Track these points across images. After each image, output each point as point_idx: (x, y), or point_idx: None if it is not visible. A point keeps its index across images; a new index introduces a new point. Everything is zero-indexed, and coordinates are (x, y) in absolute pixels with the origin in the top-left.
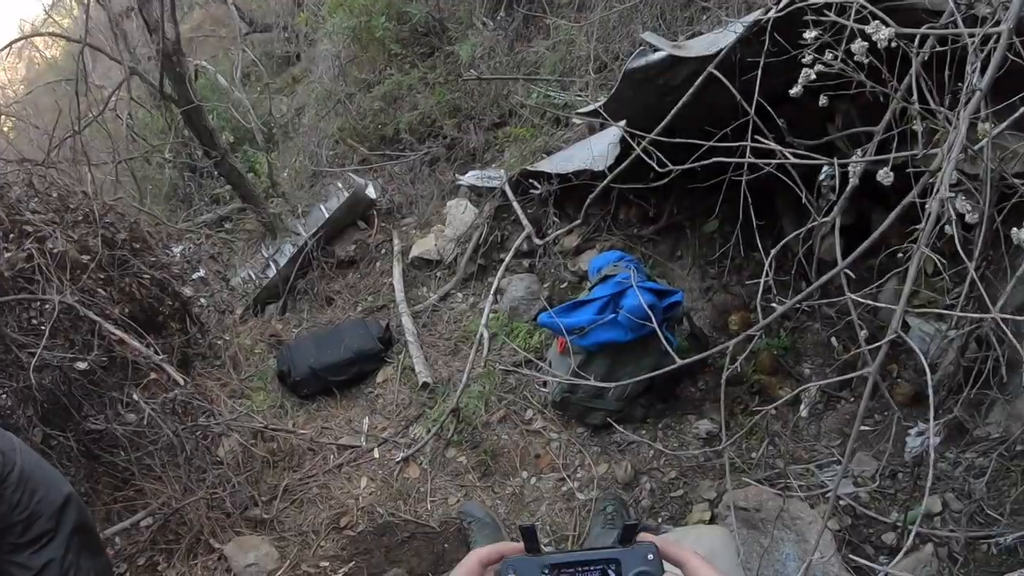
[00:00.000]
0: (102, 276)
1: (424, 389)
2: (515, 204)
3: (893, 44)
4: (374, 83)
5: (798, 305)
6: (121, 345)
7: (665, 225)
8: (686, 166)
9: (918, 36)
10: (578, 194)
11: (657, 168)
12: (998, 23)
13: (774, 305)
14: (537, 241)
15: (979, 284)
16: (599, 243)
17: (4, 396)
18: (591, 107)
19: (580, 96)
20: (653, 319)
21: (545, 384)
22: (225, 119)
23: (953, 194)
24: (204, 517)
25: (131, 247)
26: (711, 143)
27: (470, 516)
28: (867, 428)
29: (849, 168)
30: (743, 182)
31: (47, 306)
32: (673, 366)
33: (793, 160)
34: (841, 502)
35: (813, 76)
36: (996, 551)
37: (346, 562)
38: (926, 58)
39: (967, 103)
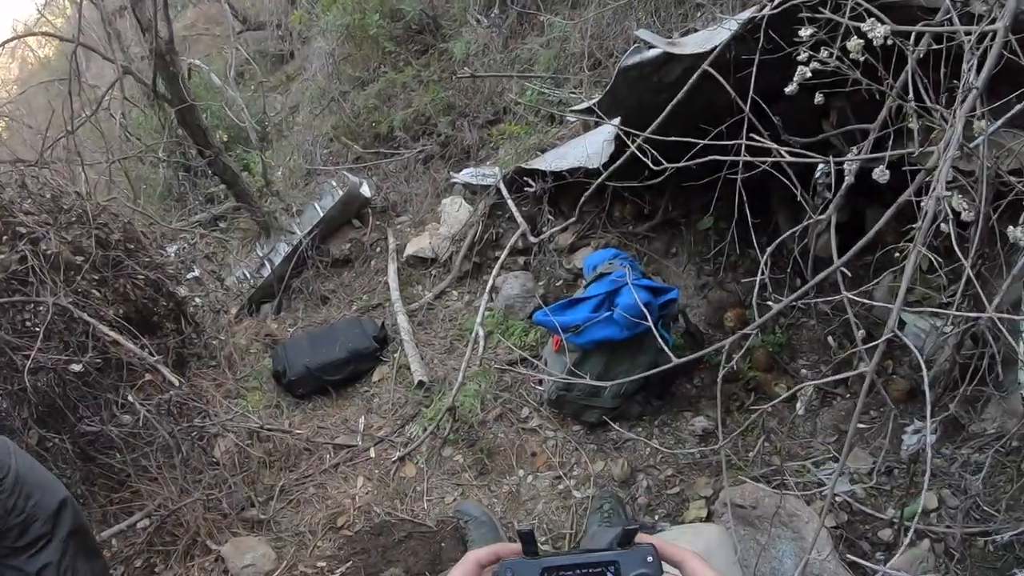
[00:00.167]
0: (96, 277)
1: (420, 388)
2: (510, 202)
3: (889, 42)
4: (368, 81)
5: (794, 303)
6: (116, 346)
7: (660, 222)
8: (681, 164)
9: (914, 33)
10: (573, 192)
11: (652, 166)
12: (994, 21)
13: (770, 303)
14: (532, 239)
15: (975, 282)
16: (594, 240)
17: None
18: (585, 104)
19: (574, 93)
20: (648, 317)
21: (541, 382)
22: (219, 118)
23: (949, 192)
24: (201, 518)
25: (125, 247)
26: (706, 141)
27: (467, 515)
28: (863, 425)
29: (845, 166)
30: (738, 180)
31: (41, 308)
32: (669, 364)
33: (789, 158)
34: (837, 499)
35: (809, 74)
36: (993, 548)
37: (343, 562)
38: (922, 56)
39: (963, 101)
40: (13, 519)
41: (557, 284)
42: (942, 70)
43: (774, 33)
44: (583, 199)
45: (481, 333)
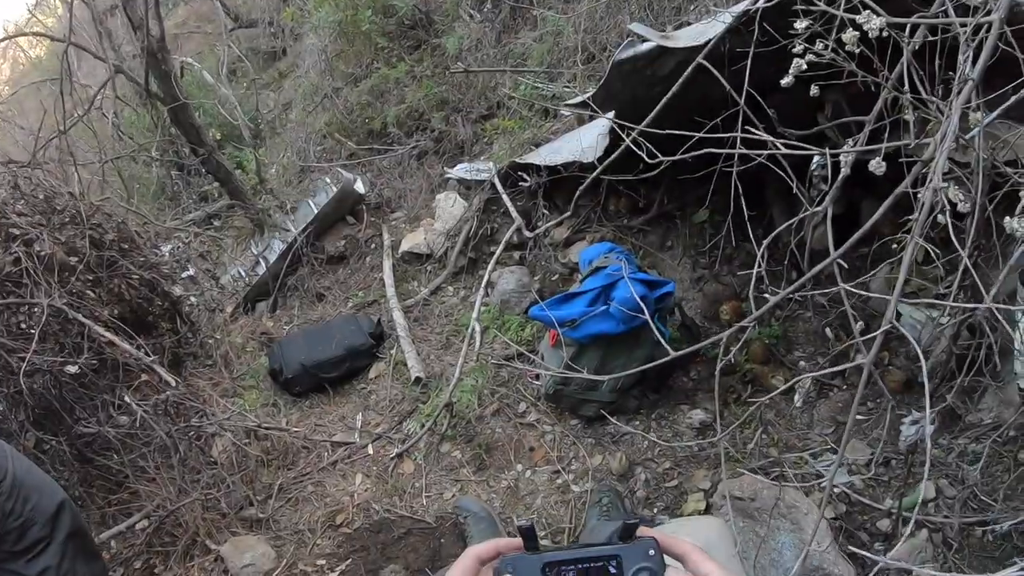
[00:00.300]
0: (90, 278)
1: (417, 384)
2: (504, 196)
3: (884, 34)
4: (361, 77)
5: (791, 295)
6: (111, 347)
7: (655, 216)
8: (676, 157)
9: (909, 25)
10: (568, 186)
11: (647, 159)
12: (989, 12)
13: (767, 296)
14: (527, 234)
15: (973, 272)
16: (589, 235)
17: None
18: (580, 98)
19: (568, 87)
20: (645, 310)
21: (538, 377)
22: (212, 116)
23: (946, 183)
24: (199, 518)
25: (119, 247)
26: (701, 134)
27: (466, 511)
28: (860, 417)
29: (841, 158)
30: (734, 173)
31: (35, 310)
32: (666, 358)
33: (784, 151)
34: (836, 490)
35: (804, 66)
36: (992, 538)
37: (343, 560)
38: (917, 47)
39: (959, 92)
40: (11, 523)
41: (553, 279)
42: (937, 62)
43: (768, 25)
44: (578, 193)
45: (477, 328)
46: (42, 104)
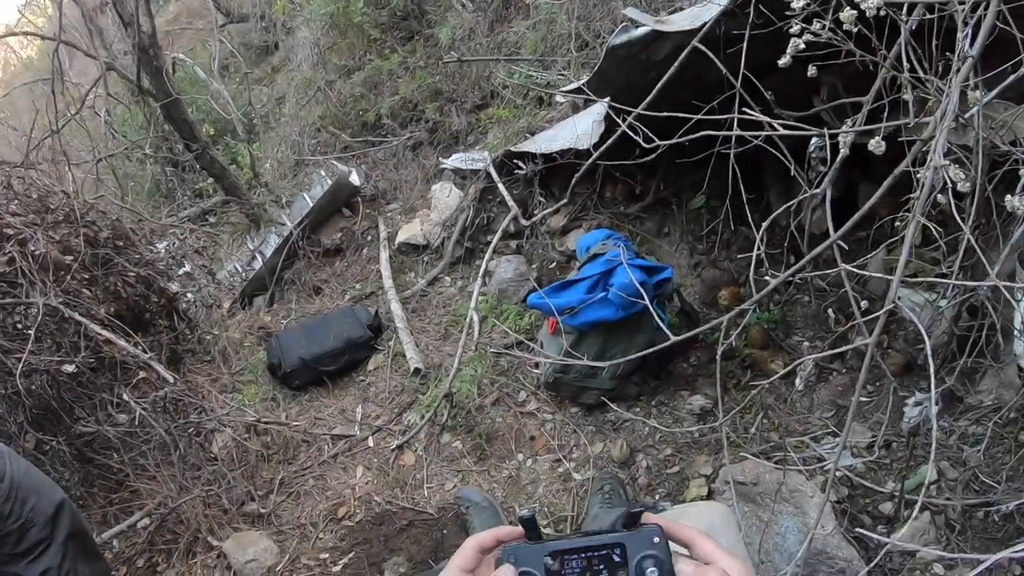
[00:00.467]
0: (86, 276)
1: (416, 375)
2: (500, 185)
3: (882, 13)
4: (354, 69)
5: (790, 278)
6: (108, 345)
7: (652, 202)
8: (673, 141)
9: (906, 4)
10: (563, 173)
11: (643, 144)
12: None
13: (767, 279)
14: (524, 222)
15: (978, 249)
16: (586, 222)
17: None
18: (575, 85)
19: (562, 75)
20: (645, 296)
21: (537, 365)
22: (205, 111)
23: (947, 162)
24: (201, 515)
25: (114, 245)
26: (698, 116)
27: (467, 501)
28: (861, 399)
29: (840, 138)
30: (731, 156)
31: (31, 310)
32: (666, 343)
33: (782, 132)
34: (838, 473)
35: (802, 46)
36: (997, 518)
37: (345, 553)
38: (914, 27)
39: (958, 70)
40: (11, 524)
41: (550, 267)
42: (935, 41)
43: (764, 7)
44: (574, 180)
45: (475, 318)
46: (34, 104)
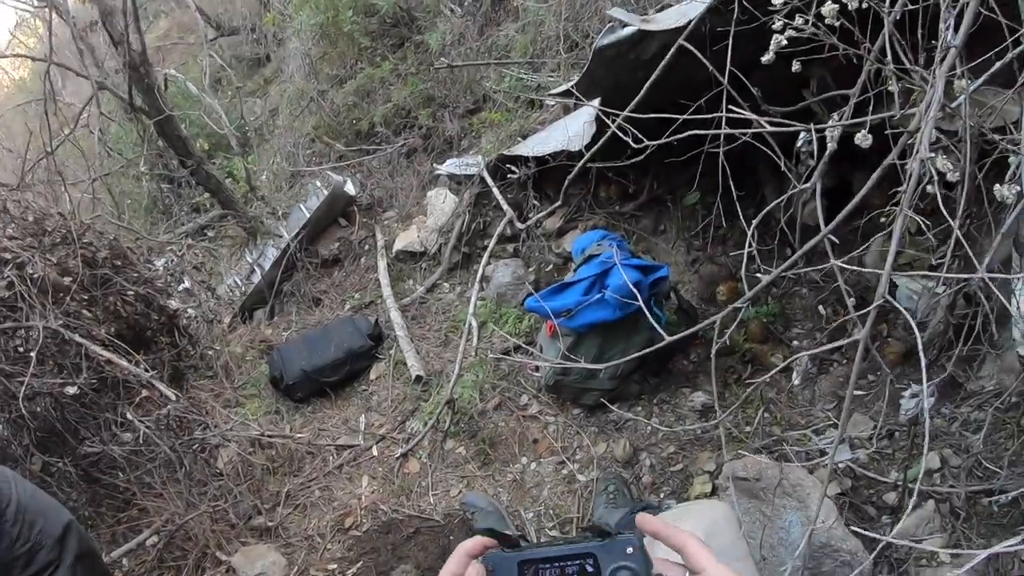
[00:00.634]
0: (85, 297)
1: (417, 383)
2: (494, 190)
3: (864, 5)
4: (346, 78)
5: (783, 273)
6: (110, 365)
7: (646, 200)
8: (661, 141)
9: None
10: (557, 176)
11: (633, 144)
12: None
13: (759, 276)
14: (519, 225)
15: (964, 243)
16: (582, 223)
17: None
18: (563, 87)
19: (552, 77)
20: (639, 297)
21: (538, 369)
22: (199, 126)
23: (933, 154)
24: (209, 530)
25: (112, 265)
26: (685, 116)
27: (473, 506)
28: (860, 392)
29: (827, 133)
30: (720, 154)
31: (32, 333)
32: (661, 343)
33: (769, 128)
34: (840, 465)
35: (784, 42)
36: (999, 506)
37: (354, 563)
38: (898, 17)
39: (942, 60)
40: (19, 548)
41: (547, 269)
42: (919, 31)
43: (748, 3)
44: (566, 182)
45: (474, 324)
46: (27, 127)
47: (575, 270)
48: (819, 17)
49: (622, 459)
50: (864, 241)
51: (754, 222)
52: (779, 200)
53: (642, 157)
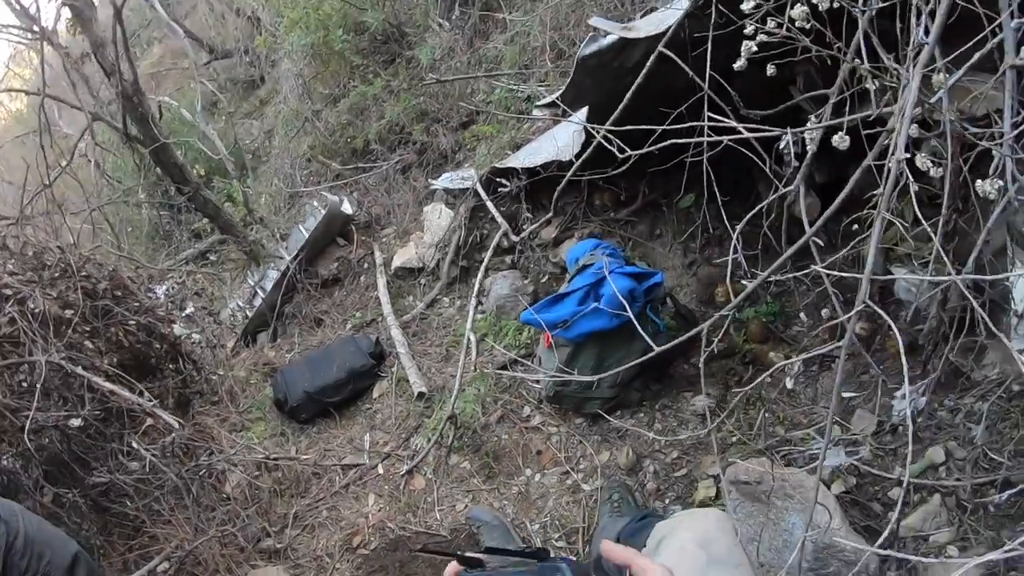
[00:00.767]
0: (87, 329)
1: (420, 399)
2: (488, 203)
3: (836, 5)
4: (339, 97)
5: (768, 279)
6: (113, 396)
7: (641, 206)
8: (642, 151)
9: None
10: (550, 186)
11: (617, 154)
12: None
13: (744, 282)
14: (514, 238)
15: (940, 248)
16: (577, 231)
17: (7, 461)
18: (549, 99)
19: (541, 86)
20: (628, 308)
21: (538, 380)
22: (196, 152)
23: (910, 154)
24: (218, 555)
25: (113, 295)
26: (664, 126)
27: (478, 521)
28: (854, 394)
29: (806, 135)
30: (704, 160)
31: (35, 367)
32: (652, 353)
33: (747, 135)
34: (844, 464)
35: (755, 48)
36: (1000, 501)
37: None
38: (874, 14)
39: (916, 57)
40: None
41: (544, 280)
42: (898, 25)
43: (724, 8)
44: (556, 193)
45: (473, 339)
46: (24, 160)
47: (569, 280)
48: (792, 20)
49: (626, 467)
50: (863, 231)
51: (738, 228)
52: (762, 205)
53: (625, 168)
